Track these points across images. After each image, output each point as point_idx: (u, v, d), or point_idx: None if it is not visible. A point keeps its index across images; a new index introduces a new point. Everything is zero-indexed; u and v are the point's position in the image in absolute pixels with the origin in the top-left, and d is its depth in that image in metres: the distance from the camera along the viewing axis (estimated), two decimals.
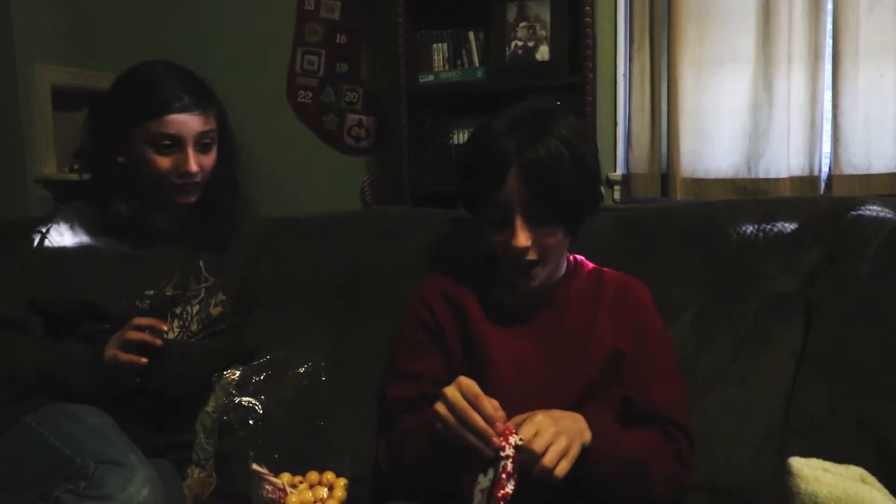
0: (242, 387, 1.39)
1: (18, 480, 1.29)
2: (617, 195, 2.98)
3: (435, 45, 2.98)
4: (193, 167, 1.43)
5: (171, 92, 1.41)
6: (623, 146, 2.95)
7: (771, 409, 1.38)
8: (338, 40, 3.36)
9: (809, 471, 1.07)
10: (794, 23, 2.63)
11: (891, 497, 1.08)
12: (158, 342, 1.37)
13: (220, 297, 1.55)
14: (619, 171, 2.97)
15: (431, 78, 2.98)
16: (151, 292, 1.47)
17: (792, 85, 2.65)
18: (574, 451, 1.08)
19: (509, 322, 1.32)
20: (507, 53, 2.90)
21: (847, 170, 2.59)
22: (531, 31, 2.88)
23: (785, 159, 2.67)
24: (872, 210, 1.46)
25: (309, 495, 1.30)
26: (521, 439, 1.06)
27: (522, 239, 1.21)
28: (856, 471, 1.11)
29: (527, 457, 1.05)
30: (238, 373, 1.41)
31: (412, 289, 1.42)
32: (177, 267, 1.51)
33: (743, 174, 2.74)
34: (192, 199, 1.49)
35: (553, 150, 1.19)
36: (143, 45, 3.17)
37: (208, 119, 1.46)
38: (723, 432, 1.36)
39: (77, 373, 1.38)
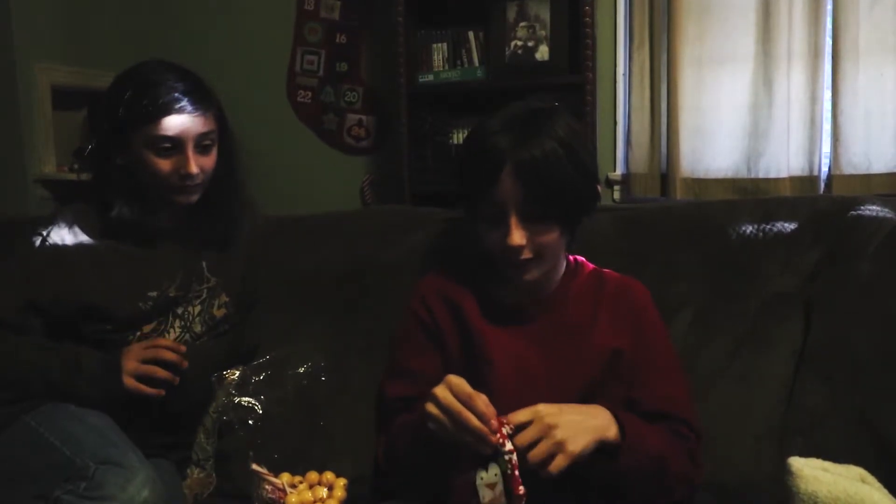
0: (242, 387, 1.39)
1: (18, 479, 1.29)
2: (617, 195, 2.98)
3: (435, 45, 2.98)
4: (194, 169, 1.43)
5: (170, 94, 1.40)
6: (623, 146, 2.95)
7: (771, 407, 1.38)
8: (337, 40, 3.37)
9: (809, 471, 1.07)
10: (794, 21, 2.63)
11: (891, 497, 1.08)
12: (185, 364, 1.41)
13: (224, 298, 1.55)
14: (619, 170, 2.97)
15: (431, 77, 2.98)
16: (155, 293, 1.47)
17: (792, 84, 2.65)
18: (573, 447, 1.06)
19: (509, 322, 1.32)
20: (507, 53, 2.90)
21: (847, 169, 2.59)
22: (531, 30, 2.88)
23: (785, 159, 2.67)
24: (872, 210, 1.46)
25: (309, 495, 1.30)
26: (512, 428, 1.05)
27: (517, 237, 1.21)
28: (855, 471, 1.11)
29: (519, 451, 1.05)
30: (238, 373, 1.41)
31: (412, 288, 1.42)
32: (179, 267, 1.51)
33: (743, 174, 2.74)
34: (193, 199, 1.49)
35: (547, 148, 1.19)
36: (143, 44, 3.17)
37: (208, 120, 1.45)
38: (723, 431, 1.36)
39: (88, 386, 1.38)
